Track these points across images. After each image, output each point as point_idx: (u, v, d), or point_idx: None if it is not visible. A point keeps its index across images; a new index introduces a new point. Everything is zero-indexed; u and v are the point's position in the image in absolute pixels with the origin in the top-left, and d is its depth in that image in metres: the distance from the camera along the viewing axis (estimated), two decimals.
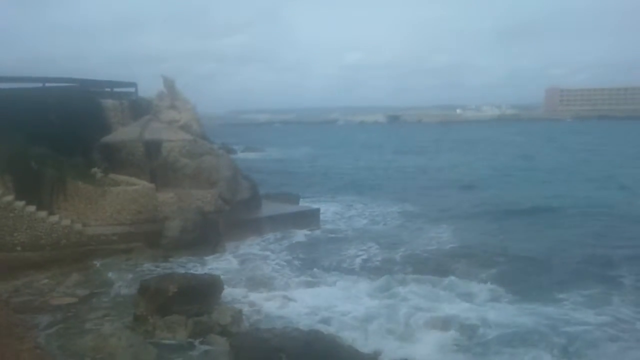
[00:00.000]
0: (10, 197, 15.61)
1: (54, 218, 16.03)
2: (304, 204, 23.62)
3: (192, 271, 14.18)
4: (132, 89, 24.84)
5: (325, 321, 11.13)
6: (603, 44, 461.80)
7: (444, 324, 10.75)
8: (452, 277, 13.84)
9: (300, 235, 18.76)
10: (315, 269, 14.88)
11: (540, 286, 13.44)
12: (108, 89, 23.93)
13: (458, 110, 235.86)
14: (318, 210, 21.27)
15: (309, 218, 20.30)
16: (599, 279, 13.90)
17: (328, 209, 23.57)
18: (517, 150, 57.91)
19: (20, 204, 15.66)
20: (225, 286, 12.35)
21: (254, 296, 12.61)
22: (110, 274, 14.40)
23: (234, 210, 18.98)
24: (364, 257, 16.27)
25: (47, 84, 22.41)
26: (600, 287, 13.24)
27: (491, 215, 22.74)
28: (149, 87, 26.43)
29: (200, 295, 11.44)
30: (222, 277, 12.97)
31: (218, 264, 15.46)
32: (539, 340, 10.14)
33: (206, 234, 16.83)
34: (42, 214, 15.88)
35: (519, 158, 49.47)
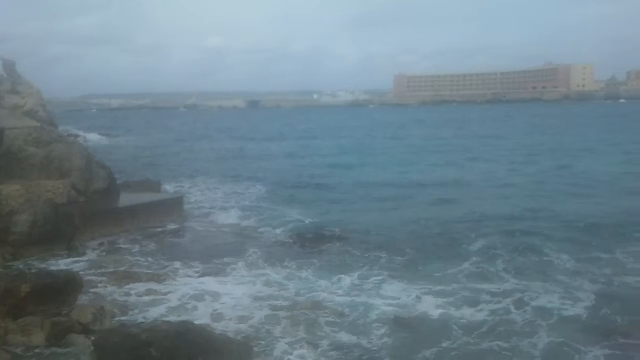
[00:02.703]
0: None
1: None
2: (167, 192, 22.89)
3: (46, 268, 13.17)
4: None
5: (196, 311, 10.94)
6: (446, 33, 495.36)
7: (320, 312, 10.79)
8: (321, 261, 14.21)
9: (164, 224, 18.14)
10: (181, 260, 14.46)
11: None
12: None
13: (315, 96, 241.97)
14: (182, 197, 20.72)
15: (173, 206, 19.69)
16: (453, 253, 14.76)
17: (192, 196, 23.06)
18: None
19: None
20: (84, 282, 11.64)
21: (117, 291, 12.02)
22: None
23: (90, 202, 17.89)
24: (232, 243, 16.15)
25: None
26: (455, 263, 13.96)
27: (345, 195, 23.60)
28: None
29: (57, 293, 10.64)
30: (80, 272, 12.26)
31: (75, 260, 14.49)
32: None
33: (60, 228, 15.68)
34: None
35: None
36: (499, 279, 12.77)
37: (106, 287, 12.28)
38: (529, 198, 22.35)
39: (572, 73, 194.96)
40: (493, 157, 37.28)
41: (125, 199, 19.58)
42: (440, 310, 11.00)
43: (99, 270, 13.48)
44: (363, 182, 27.46)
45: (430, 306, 11.20)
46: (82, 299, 11.17)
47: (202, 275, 13.27)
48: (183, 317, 10.33)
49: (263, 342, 9.56)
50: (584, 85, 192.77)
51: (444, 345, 9.52)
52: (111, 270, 13.51)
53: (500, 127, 69.79)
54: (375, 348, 9.50)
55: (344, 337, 9.86)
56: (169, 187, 24.93)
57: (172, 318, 10.20)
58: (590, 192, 23.75)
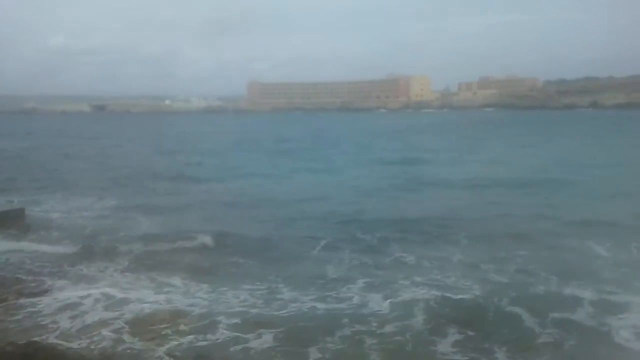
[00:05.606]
0: None
1: None
2: (5, 203, 21.12)
3: None
4: None
5: (45, 330, 10.32)
6: (297, 42, 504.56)
7: (181, 322, 10.72)
8: (177, 269, 14.07)
9: (3, 238, 16.73)
10: (25, 275, 13.52)
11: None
12: None
13: (167, 101, 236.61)
14: (23, 209, 19.21)
15: (13, 218, 18.20)
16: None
17: (35, 208, 21.47)
18: None
19: None
20: None
21: None
22: None
23: None
24: (79, 256, 15.32)
25: None
26: None
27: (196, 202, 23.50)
28: None
29: None
30: None
31: None
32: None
33: None
34: None
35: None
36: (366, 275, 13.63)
37: None
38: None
39: (412, 84, 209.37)
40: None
41: None
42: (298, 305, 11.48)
43: None
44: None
45: (297, 303, 11.69)
46: None
47: (50, 291, 12.47)
48: (30, 337, 9.72)
49: (121, 357, 9.29)
50: (422, 95, 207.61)
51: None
52: None
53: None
54: (240, 355, 9.59)
55: (205, 344, 9.87)
56: (7, 199, 23.02)
57: (18, 339, 9.56)
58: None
